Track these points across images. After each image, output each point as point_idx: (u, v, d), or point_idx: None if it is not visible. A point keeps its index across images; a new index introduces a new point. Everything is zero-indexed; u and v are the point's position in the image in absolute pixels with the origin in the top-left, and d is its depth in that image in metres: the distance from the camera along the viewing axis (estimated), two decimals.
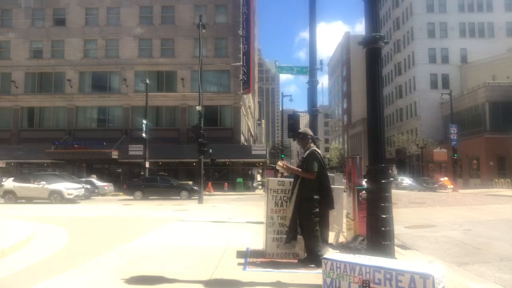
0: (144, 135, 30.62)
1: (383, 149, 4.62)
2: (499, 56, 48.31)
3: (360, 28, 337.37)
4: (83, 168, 36.58)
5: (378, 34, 4.66)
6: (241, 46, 38.29)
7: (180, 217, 12.69)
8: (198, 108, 22.39)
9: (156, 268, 5.43)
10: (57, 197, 20.62)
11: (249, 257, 6.05)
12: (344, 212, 7.61)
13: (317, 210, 5.38)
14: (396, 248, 5.48)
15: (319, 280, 4.11)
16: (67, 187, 21.37)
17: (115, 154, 34.11)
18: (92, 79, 39.50)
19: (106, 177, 33.99)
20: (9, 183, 21.31)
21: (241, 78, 37.92)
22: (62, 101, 38.61)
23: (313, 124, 10.20)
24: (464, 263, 6.19)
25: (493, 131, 40.03)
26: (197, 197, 22.04)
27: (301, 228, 5.54)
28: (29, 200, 21.04)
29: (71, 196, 20.91)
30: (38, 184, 20.88)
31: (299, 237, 5.83)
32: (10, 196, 20.92)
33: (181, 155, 34.38)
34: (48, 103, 38.91)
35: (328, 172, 6.22)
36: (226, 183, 34.34)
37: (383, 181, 4.48)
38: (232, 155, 35.52)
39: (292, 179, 5.99)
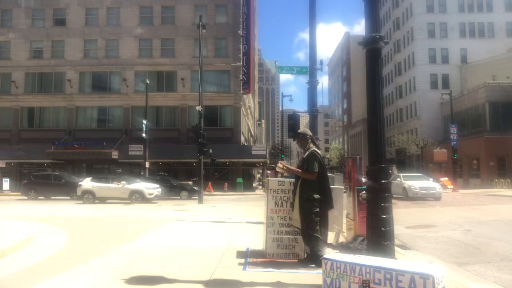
0: (144, 135, 30.61)
1: (383, 149, 4.62)
2: (499, 56, 48.27)
3: (359, 29, 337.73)
4: (83, 168, 36.59)
5: (378, 34, 4.66)
6: (241, 46, 38.30)
7: (180, 217, 12.69)
8: (198, 108, 22.39)
9: (156, 268, 5.44)
10: (138, 197, 20.35)
11: (249, 257, 6.05)
12: (344, 212, 7.62)
13: (318, 210, 5.39)
14: (396, 248, 5.48)
15: (319, 280, 4.11)
16: (147, 187, 21.19)
17: (115, 154, 34.11)
18: (92, 79, 39.51)
19: None
20: (87, 183, 20.94)
21: (241, 78, 37.93)
22: (62, 101, 38.62)
23: (313, 124, 10.21)
24: (464, 263, 6.19)
25: (493, 131, 40.01)
26: (197, 197, 22.05)
27: (302, 228, 5.54)
28: (102, 200, 20.66)
29: (151, 196, 20.76)
30: (118, 184, 20.63)
31: (299, 237, 5.84)
32: (89, 196, 20.51)
33: (181, 155, 34.40)
34: (48, 103, 38.92)
35: (328, 172, 6.22)
36: (226, 183, 34.35)
37: (383, 181, 4.48)
38: (232, 155, 35.52)
39: (291, 179, 5.99)
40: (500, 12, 53.24)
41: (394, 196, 21.37)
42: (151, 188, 21.27)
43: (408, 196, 21.17)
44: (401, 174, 24.50)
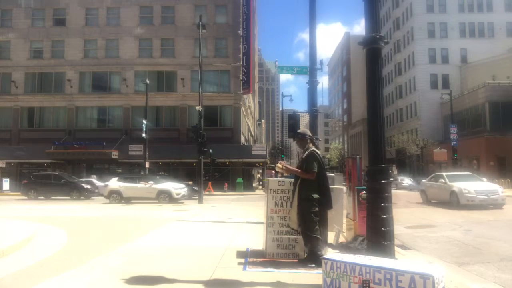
0: (144, 135, 30.60)
1: (383, 149, 4.62)
2: (499, 56, 48.28)
3: (358, 29, 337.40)
4: (83, 168, 36.59)
5: (378, 34, 4.65)
6: (241, 46, 38.30)
7: (180, 217, 12.69)
8: (198, 108, 22.40)
9: (156, 268, 5.44)
10: (165, 197, 20.31)
11: (249, 257, 6.05)
12: (344, 212, 7.61)
13: (317, 209, 5.39)
14: (396, 248, 5.48)
15: (319, 280, 4.11)
16: (175, 187, 21.13)
17: (115, 154, 34.11)
18: (92, 79, 39.52)
19: (106, 177, 33.88)
20: (114, 183, 20.88)
21: (241, 78, 37.92)
22: (62, 101, 38.62)
23: (313, 124, 10.20)
24: (464, 263, 6.19)
25: (493, 131, 40.00)
26: (197, 197, 22.05)
27: (301, 228, 5.54)
28: (128, 200, 20.55)
29: (179, 196, 20.76)
30: (146, 184, 20.57)
31: (299, 237, 5.84)
32: (116, 196, 20.45)
33: (181, 155, 34.38)
34: (48, 103, 38.91)
35: (328, 172, 6.21)
36: (226, 183, 34.35)
37: (383, 181, 4.48)
38: (232, 155, 35.52)
39: (291, 179, 5.99)
40: (500, 12, 53.24)
41: (433, 202, 18.07)
42: (178, 188, 21.25)
43: (459, 203, 15.46)
44: (444, 174, 18.46)
